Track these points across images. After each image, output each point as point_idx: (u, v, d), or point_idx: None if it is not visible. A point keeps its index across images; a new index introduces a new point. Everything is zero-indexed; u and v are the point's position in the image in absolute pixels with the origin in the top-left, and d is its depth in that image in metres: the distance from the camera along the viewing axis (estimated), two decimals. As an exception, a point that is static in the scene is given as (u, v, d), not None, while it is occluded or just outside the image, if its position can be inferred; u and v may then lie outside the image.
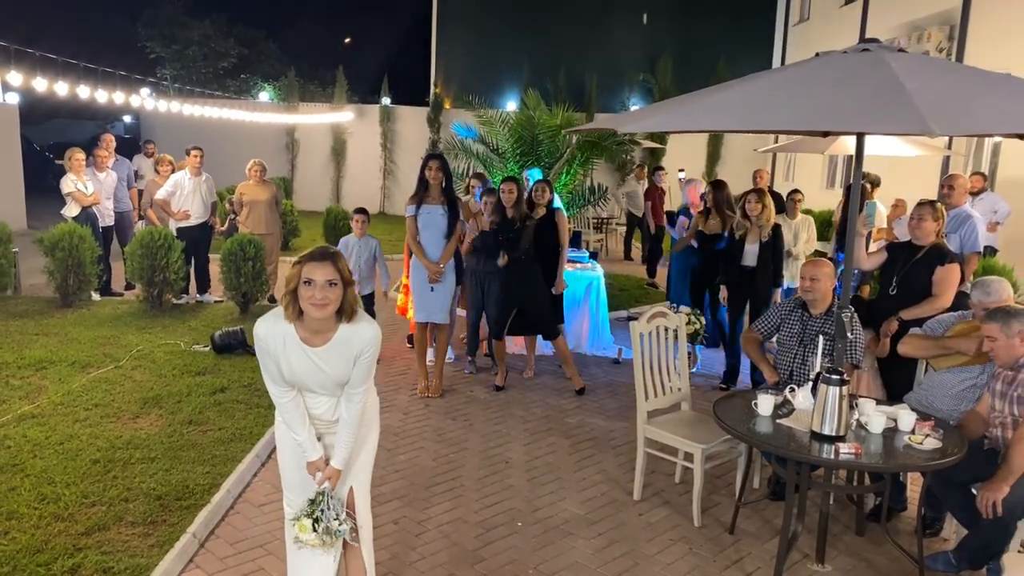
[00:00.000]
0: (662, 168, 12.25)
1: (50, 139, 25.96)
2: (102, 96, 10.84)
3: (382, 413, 5.72)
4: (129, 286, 9.33)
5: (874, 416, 3.63)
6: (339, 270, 2.73)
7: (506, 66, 20.36)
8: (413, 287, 6.26)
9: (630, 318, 8.85)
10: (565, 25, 20.42)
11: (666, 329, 4.60)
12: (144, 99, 13.18)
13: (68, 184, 8.61)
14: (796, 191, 8.16)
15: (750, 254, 6.42)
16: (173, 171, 9.19)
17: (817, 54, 3.39)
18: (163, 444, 4.90)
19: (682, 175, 10.98)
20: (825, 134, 4.67)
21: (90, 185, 8.79)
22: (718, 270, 6.91)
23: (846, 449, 3.38)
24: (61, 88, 9.96)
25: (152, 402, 5.63)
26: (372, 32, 29.29)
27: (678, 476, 4.82)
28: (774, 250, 6.42)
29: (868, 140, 8.87)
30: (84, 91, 10.42)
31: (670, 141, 18.45)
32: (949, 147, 11.18)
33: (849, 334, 3.82)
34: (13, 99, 15.57)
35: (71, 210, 8.70)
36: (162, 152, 10.54)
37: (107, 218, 9.21)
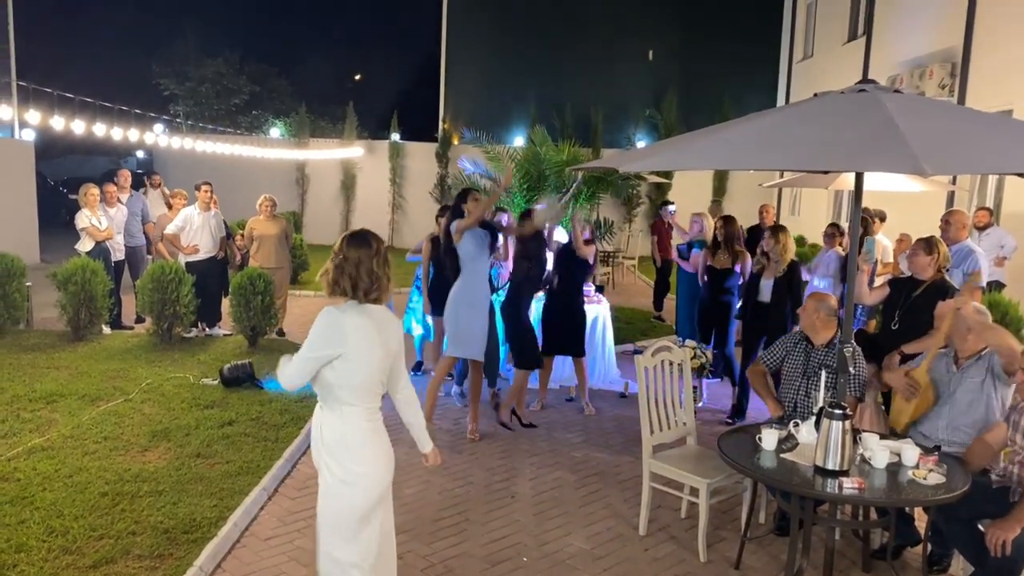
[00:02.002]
0: (669, 203, 12.33)
1: (64, 175, 26.34)
2: (117, 133, 11.05)
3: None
4: (139, 319, 9.43)
5: (878, 450, 3.65)
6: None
7: (513, 102, 20.64)
8: (450, 320, 6.04)
9: (636, 352, 8.85)
10: (571, 62, 20.72)
11: (671, 363, 4.63)
12: (157, 135, 13.41)
13: (83, 219, 8.76)
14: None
15: (765, 289, 6.41)
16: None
17: (816, 94, 3.47)
18: (171, 477, 4.93)
19: (672, 208, 11.06)
20: (826, 171, 4.75)
21: (104, 220, 8.93)
22: (726, 304, 6.94)
23: (849, 484, 3.39)
24: (77, 126, 10.17)
25: (161, 435, 5.67)
26: (382, 69, 29.77)
27: (684, 511, 4.82)
28: (790, 286, 6.35)
29: (872, 176, 8.95)
30: (100, 128, 10.63)
31: (676, 176, 18.59)
32: (953, 182, 11.24)
33: (851, 368, 3.85)
34: (29, 136, 15.86)
35: (85, 244, 8.83)
36: (173, 187, 10.74)
37: (118, 252, 9.34)
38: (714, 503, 4.39)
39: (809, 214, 17.04)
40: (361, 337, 2.88)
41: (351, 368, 2.88)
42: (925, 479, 3.48)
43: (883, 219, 8.93)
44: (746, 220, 9.79)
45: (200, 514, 4.44)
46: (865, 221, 8.63)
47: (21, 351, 7.88)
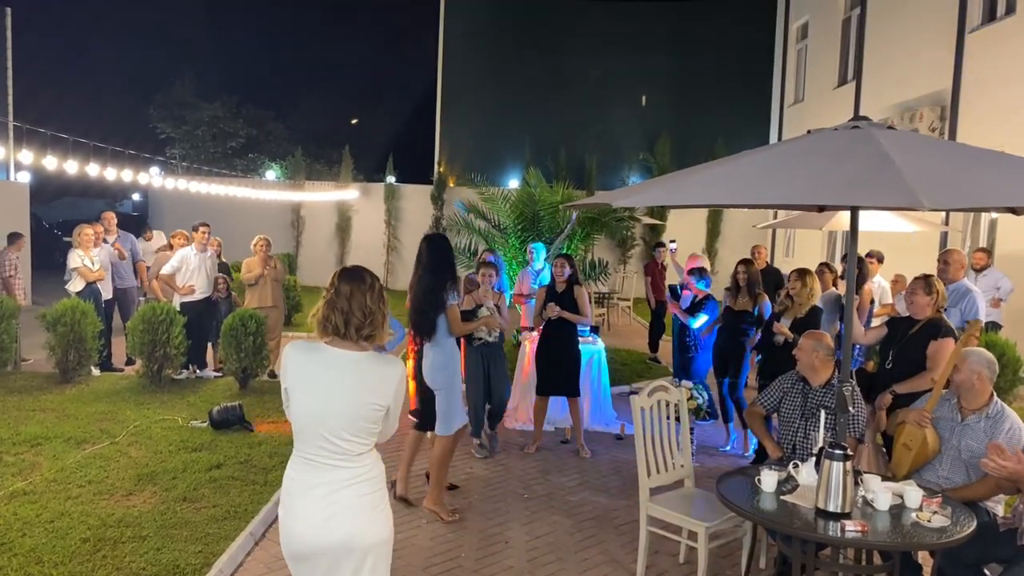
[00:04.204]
0: (663, 244, 12.35)
1: (59, 217, 26.40)
2: (111, 174, 11.04)
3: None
4: (130, 361, 9.31)
5: (880, 492, 3.56)
6: None
7: (508, 146, 20.82)
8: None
9: (632, 393, 8.75)
10: (565, 107, 20.97)
11: (667, 403, 4.56)
12: (152, 177, 13.43)
13: (75, 259, 8.74)
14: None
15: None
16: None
17: (809, 131, 3.46)
18: (155, 522, 4.80)
19: (673, 246, 11.03)
20: (820, 209, 4.72)
21: (96, 261, 8.89)
22: (742, 345, 6.82)
23: (852, 527, 3.30)
24: (71, 167, 10.15)
25: (146, 479, 5.54)
26: (378, 113, 30.12)
27: (682, 556, 4.69)
28: (807, 330, 6.13)
29: (866, 216, 8.97)
30: (93, 169, 10.62)
31: (670, 217, 18.68)
32: (946, 223, 11.30)
33: (851, 408, 3.78)
34: (24, 177, 15.89)
35: (75, 284, 8.79)
36: (168, 229, 10.75)
37: (106, 292, 9.26)
38: (713, 547, 4.27)
39: (803, 255, 17.09)
40: (303, 374, 2.69)
41: (292, 406, 2.72)
42: (929, 521, 3.39)
43: (880, 260, 8.92)
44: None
45: (184, 560, 4.31)
46: (861, 262, 8.64)
47: (7, 393, 7.75)
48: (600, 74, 20.97)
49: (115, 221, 10.18)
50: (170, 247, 9.59)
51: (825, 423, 3.84)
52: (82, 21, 28.29)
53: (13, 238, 10.36)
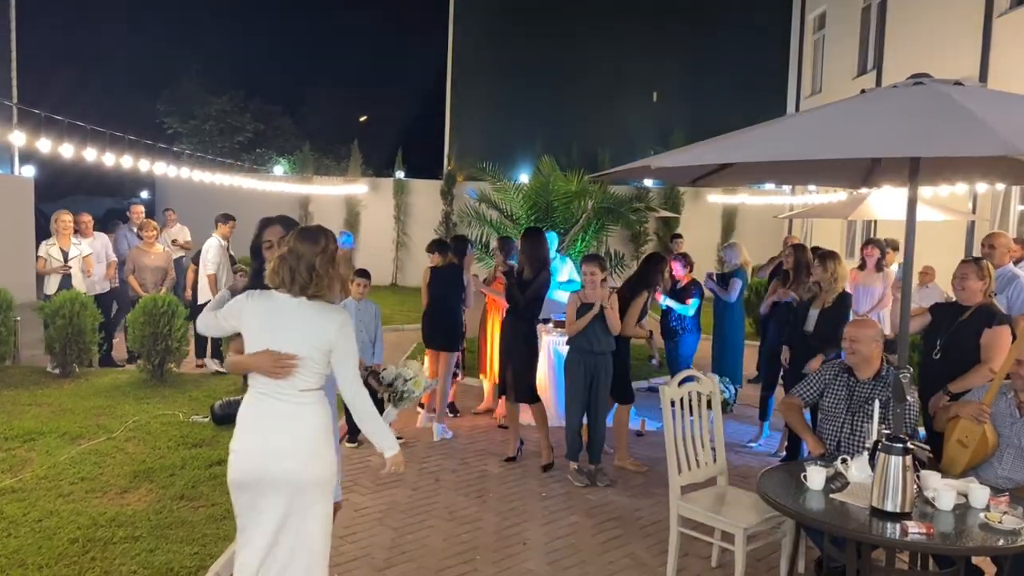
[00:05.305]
0: (680, 236, 11.99)
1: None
2: (127, 162, 10.73)
3: (387, 487, 5.32)
4: (132, 358, 8.99)
5: (943, 490, 3.22)
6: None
7: (519, 141, 20.47)
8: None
9: (650, 388, 8.43)
10: (577, 100, 20.61)
11: (699, 394, 4.22)
12: (167, 167, 13.15)
13: (41, 248, 8.33)
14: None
15: (811, 319, 5.91)
16: (158, 236, 9.06)
17: (863, 91, 3.13)
18: (150, 521, 4.50)
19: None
20: (867, 175, 4.33)
21: (74, 250, 8.50)
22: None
23: (915, 528, 2.97)
24: (90, 154, 9.85)
25: (143, 476, 5.24)
26: (387, 107, 29.80)
27: (715, 559, 4.35)
28: (834, 319, 5.59)
29: (889, 204, 8.56)
30: (110, 158, 10.32)
31: (684, 210, 18.32)
32: (973, 212, 10.94)
33: (909, 397, 3.43)
34: (29, 172, 15.66)
35: (50, 285, 8.33)
36: (182, 221, 10.54)
37: (100, 286, 8.92)
38: (749, 550, 3.94)
39: (822, 245, 16.68)
40: (253, 319, 2.94)
41: (246, 345, 2.96)
42: (1000, 523, 3.04)
43: (896, 249, 8.54)
44: (756, 256, 9.48)
45: (178, 563, 4.01)
46: (881, 251, 8.25)
47: (4, 387, 7.49)
48: (612, 67, 20.61)
49: (143, 214, 9.90)
50: (140, 238, 9.23)
51: (880, 414, 3.49)
52: (86, 14, 28.12)
53: None
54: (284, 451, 2.90)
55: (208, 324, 3.17)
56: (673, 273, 7.47)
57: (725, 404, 6.04)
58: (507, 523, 4.88)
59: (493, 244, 7.00)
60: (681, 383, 4.18)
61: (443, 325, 6.89)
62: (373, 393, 4.47)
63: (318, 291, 2.90)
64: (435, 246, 7.12)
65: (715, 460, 4.28)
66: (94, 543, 4.20)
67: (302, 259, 2.88)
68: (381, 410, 3.85)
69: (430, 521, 4.85)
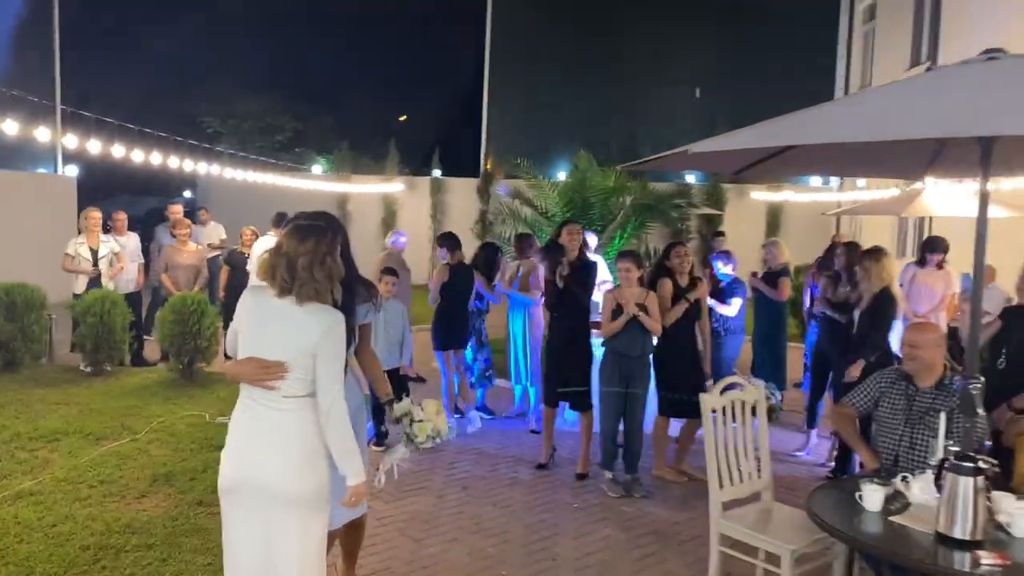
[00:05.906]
0: (723, 233, 11.57)
1: (110, 214, 26.61)
2: (174, 162, 10.80)
3: (411, 494, 5.10)
4: (165, 356, 8.93)
5: (1018, 515, 2.87)
6: None
7: (557, 138, 20.19)
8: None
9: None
10: (617, 97, 20.27)
11: (743, 403, 3.91)
12: (208, 167, 13.22)
13: (69, 246, 8.16)
14: None
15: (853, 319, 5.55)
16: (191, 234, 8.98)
17: (928, 68, 2.80)
18: (165, 528, 4.34)
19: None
20: (929, 165, 3.93)
21: (104, 248, 8.42)
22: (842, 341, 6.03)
23: (989, 559, 2.64)
24: (137, 155, 9.89)
25: (163, 479, 5.11)
26: (424, 106, 29.75)
27: (759, 581, 4.04)
28: (874, 318, 5.23)
29: (947, 199, 8.05)
30: (156, 158, 10.38)
31: (728, 207, 17.85)
32: (1038, 208, 10.33)
33: (980, 410, 3.09)
34: (72, 171, 15.85)
35: (78, 285, 8.19)
36: (221, 223, 10.46)
37: (131, 285, 8.83)
38: (797, 573, 3.62)
39: (870, 245, 16.09)
40: (249, 317, 2.82)
41: (239, 348, 2.83)
42: (1087, 555, 2.69)
43: (946, 250, 7.95)
44: (801, 255, 9.09)
45: (190, 574, 3.83)
46: (934, 248, 7.70)
47: (35, 386, 7.46)
48: (653, 63, 20.21)
49: (180, 213, 9.86)
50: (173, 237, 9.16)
51: (945, 429, 3.15)
52: (127, 15, 28.51)
53: None
54: (265, 460, 2.75)
55: (229, 340, 2.95)
56: (712, 272, 7.15)
57: (772, 411, 5.69)
58: (536, 536, 4.62)
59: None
60: (723, 391, 3.88)
61: (463, 325, 6.91)
62: (382, 411, 4.29)
63: (302, 294, 2.72)
64: (450, 241, 6.96)
65: (760, 474, 3.97)
66: (106, 551, 4.05)
67: (284, 258, 2.73)
68: (382, 412, 3.70)
69: (454, 533, 4.61)
